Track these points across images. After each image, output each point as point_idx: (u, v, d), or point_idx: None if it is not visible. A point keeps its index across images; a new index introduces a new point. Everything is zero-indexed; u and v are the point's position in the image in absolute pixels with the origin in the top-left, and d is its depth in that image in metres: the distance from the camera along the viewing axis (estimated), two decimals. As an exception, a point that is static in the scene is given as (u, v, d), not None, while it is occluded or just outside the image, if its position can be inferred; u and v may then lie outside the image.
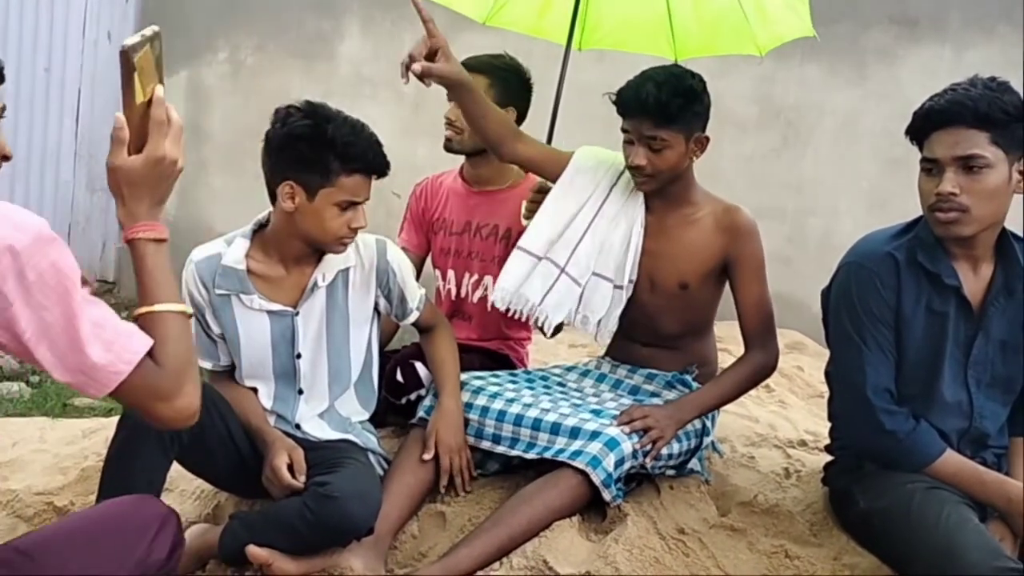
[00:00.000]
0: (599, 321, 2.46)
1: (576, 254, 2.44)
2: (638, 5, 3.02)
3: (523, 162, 2.55)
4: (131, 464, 1.99)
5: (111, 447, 2.02)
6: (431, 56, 2.27)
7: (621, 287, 2.44)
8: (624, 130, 2.35)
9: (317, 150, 2.08)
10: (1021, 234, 2.10)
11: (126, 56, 1.30)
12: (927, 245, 2.05)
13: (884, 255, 2.07)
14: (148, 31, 1.36)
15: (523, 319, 2.48)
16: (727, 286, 2.46)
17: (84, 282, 1.34)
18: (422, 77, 2.26)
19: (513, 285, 2.45)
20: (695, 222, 2.43)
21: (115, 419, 2.10)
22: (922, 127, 2.01)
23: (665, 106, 2.27)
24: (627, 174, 2.46)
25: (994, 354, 2.08)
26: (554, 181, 2.52)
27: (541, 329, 2.49)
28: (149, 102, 1.37)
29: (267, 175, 2.17)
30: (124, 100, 1.33)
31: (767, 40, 2.94)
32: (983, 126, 1.93)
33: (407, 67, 2.25)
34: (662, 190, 2.42)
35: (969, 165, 1.94)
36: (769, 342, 2.41)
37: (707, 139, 2.38)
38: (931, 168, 1.99)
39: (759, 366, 2.42)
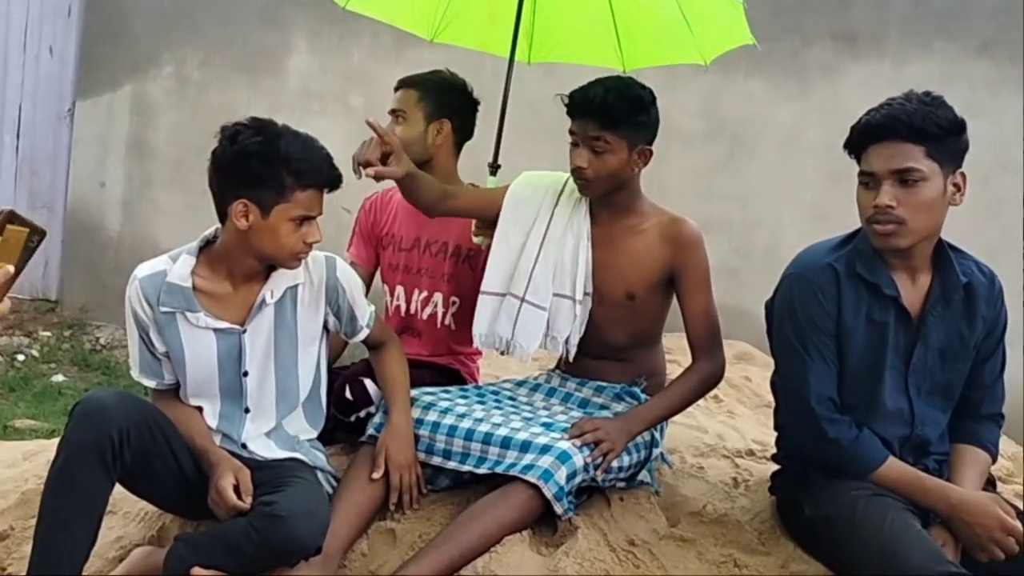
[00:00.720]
0: (567, 339, 2.48)
1: (533, 281, 2.47)
2: (584, 17, 3.06)
3: (459, 214, 2.61)
4: (72, 487, 1.95)
5: (51, 469, 1.98)
6: (384, 159, 2.35)
7: (580, 301, 2.47)
8: (571, 132, 2.39)
9: (271, 167, 2.07)
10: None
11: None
12: (866, 256, 2.09)
13: (824, 266, 2.11)
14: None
15: (504, 354, 2.51)
16: (675, 298, 2.48)
17: None
18: (376, 178, 2.34)
19: (486, 327, 2.51)
20: (640, 233, 2.45)
21: (56, 441, 2.06)
22: (859, 141, 2.05)
23: (610, 108, 2.32)
24: (567, 192, 2.51)
25: (933, 362, 2.13)
26: (495, 220, 2.55)
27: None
28: None
29: (217, 193, 2.15)
30: None
31: (710, 48, 2.99)
32: (918, 140, 1.97)
33: (360, 166, 2.32)
34: (607, 200, 2.45)
35: (905, 179, 1.98)
36: (716, 352, 2.44)
37: (651, 152, 2.41)
38: (868, 181, 2.03)
39: (706, 376, 2.44)
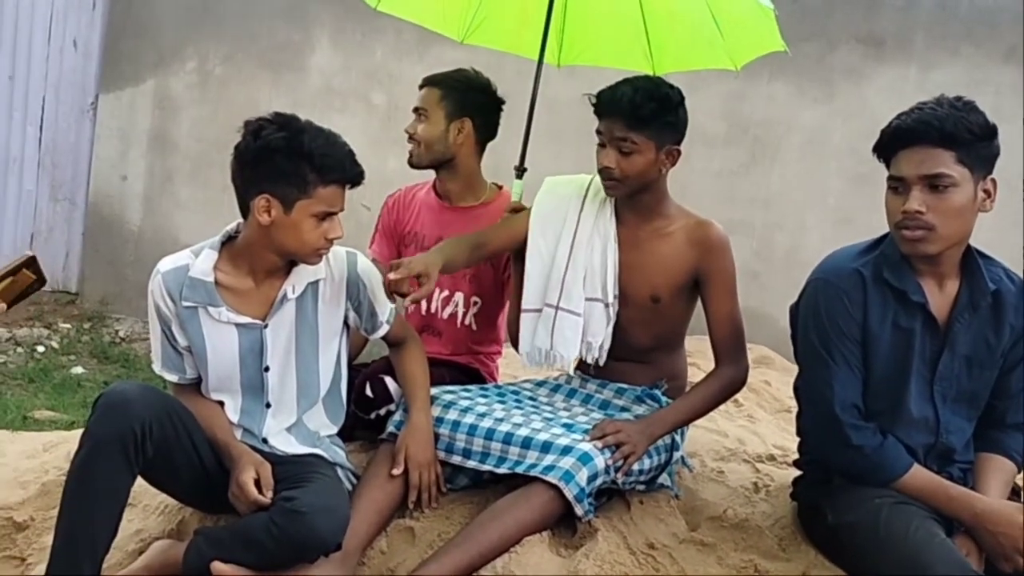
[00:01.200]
0: (601, 343, 2.47)
1: (565, 287, 2.46)
2: (615, 21, 3.03)
3: (498, 254, 2.62)
4: (94, 479, 1.95)
5: (74, 461, 1.98)
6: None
7: (611, 304, 2.46)
8: (598, 131, 2.38)
9: (294, 162, 2.07)
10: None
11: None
12: (893, 262, 2.07)
13: (851, 272, 2.09)
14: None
15: (553, 367, 2.51)
16: (699, 301, 2.47)
17: None
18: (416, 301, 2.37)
19: (528, 344, 2.51)
20: (667, 235, 2.44)
21: (77, 432, 2.07)
22: (889, 145, 2.03)
23: (637, 108, 2.31)
24: (591, 195, 2.50)
25: (960, 370, 2.10)
26: (525, 245, 2.54)
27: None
28: None
29: (240, 188, 2.14)
30: None
31: (741, 54, 2.97)
32: (949, 145, 1.95)
33: (397, 295, 2.29)
34: (633, 201, 2.44)
35: (935, 184, 1.96)
36: (739, 357, 2.43)
37: (679, 152, 2.40)
38: (897, 186, 2.01)
39: (729, 381, 2.43)
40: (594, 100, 2.38)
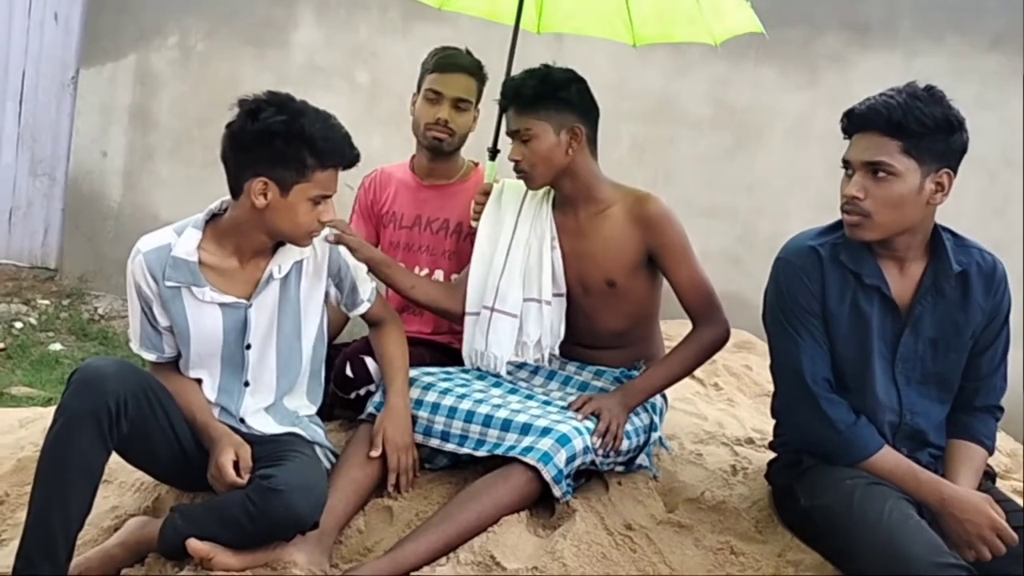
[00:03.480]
0: (537, 342, 2.47)
1: (500, 290, 2.48)
2: None
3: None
4: (68, 455, 1.93)
5: (47, 436, 1.96)
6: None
7: (548, 302, 2.46)
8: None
9: (294, 147, 2.05)
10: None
11: None
12: (851, 244, 2.09)
13: (808, 249, 2.12)
14: None
15: (484, 368, 2.50)
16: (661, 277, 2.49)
17: None
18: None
19: (467, 346, 2.53)
20: (607, 217, 2.44)
21: (53, 409, 2.04)
22: (846, 129, 2.07)
23: (519, 92, 2.38)
24: (530, 195, 2.53)
25: (924, 351, 2.12)
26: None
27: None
28: None
29: (233, 169, 2.12)
30: None
31: (721, 30, 2.96)
32: (896, 135, 1.96)
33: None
34: (562, 190, 2.46)
35: (876, 171, 1.98)
36: (714, 315, 2.43)
37: (581, 131, 2.39)
38: (847, 170, 2.05)
39: (709, 340, 2.43)
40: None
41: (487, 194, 2.60)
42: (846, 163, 2.05)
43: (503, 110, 2.43)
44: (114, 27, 5.77)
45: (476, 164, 2.86)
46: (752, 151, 4.81)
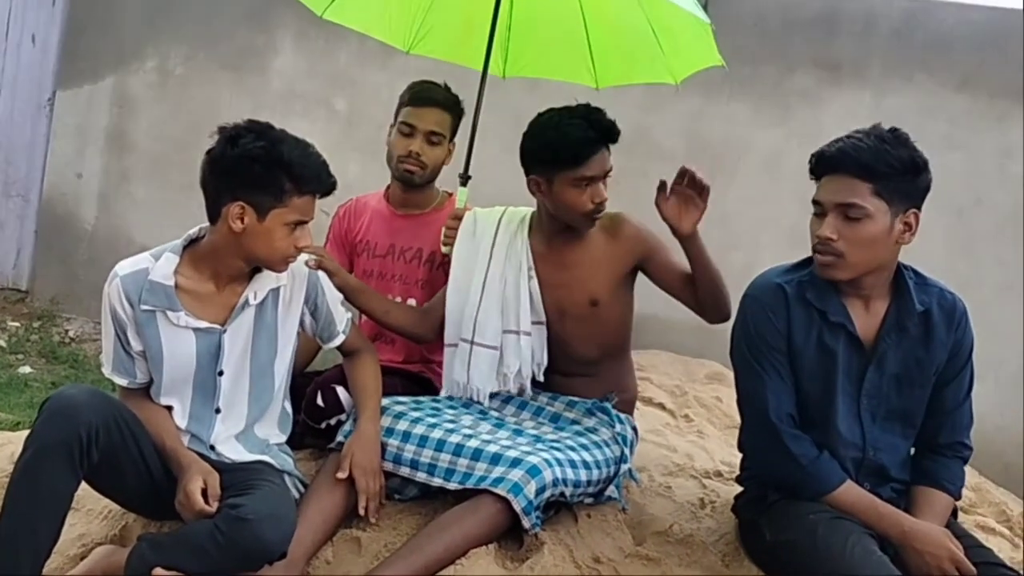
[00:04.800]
0: (517, 372, 2.50)
1: (478, 323, 2.51)
2: (558, 34, 3.09)
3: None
4: (38, 484, 1.92)
5: (17, 464, 1.95)
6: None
7: (528, 333, 2.49)
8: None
9: (272, 172, 2.08)
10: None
11: None
12: (818, 282, 2.13)
13: (774, 286, 2.16)
14: None
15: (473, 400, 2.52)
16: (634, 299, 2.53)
17: None
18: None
19: (447, 377, 2.56)
20: (587, 243, 2.49)
21: (21, 434, 2.04)
22: (815, 170, 2.10)
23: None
24: (503, 227, 2.58)
25: (888, 388, 2.15)
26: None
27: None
28: None
29: (212, 194, 2.14)
30: None
31: (680, 68, 3.02)
32: (867, 177, 2.01)
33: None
34: (541, 222, 2.53)
35: (848, 214, 2.02)
36: None
37: (537, 181, 2.44)
38: (818, 211, 2.08)
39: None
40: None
41: (459, 219, 2.63)
42: (817, 204, 2.08)
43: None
44: (92, 49, 5.76)
45: (450, 194, 2.89)
46: (724, 185, 4.85)
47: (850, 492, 2.09)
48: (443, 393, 2.58)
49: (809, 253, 2.24)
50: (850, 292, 2.13)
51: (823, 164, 2.07)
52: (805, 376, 2.14)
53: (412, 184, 2.79)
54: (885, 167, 2.00)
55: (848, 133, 2.08)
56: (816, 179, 2.11)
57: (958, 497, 2.22)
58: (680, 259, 2.46)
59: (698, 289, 2.42)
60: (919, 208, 2.07)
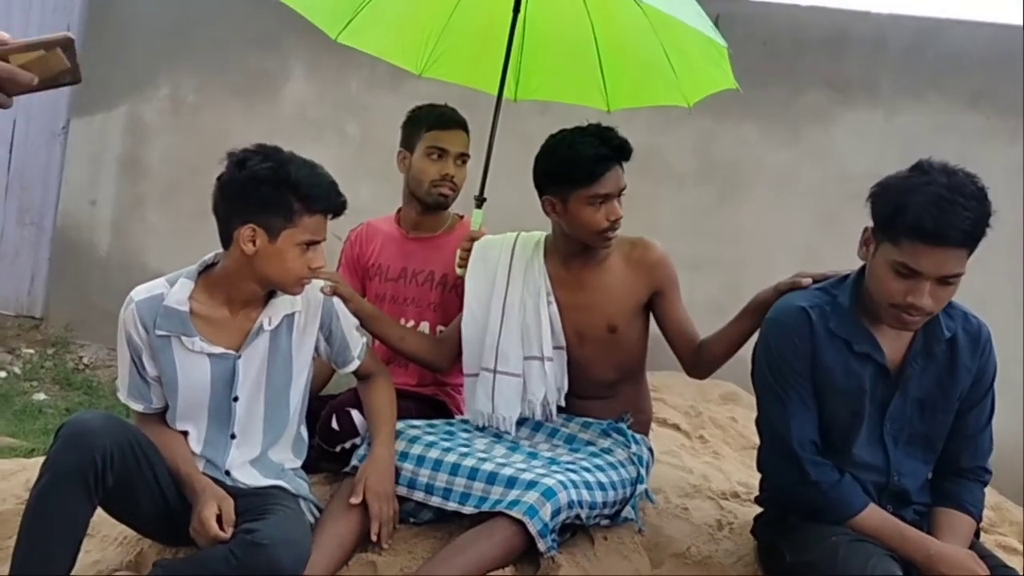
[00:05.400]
0: (543, 398, 2.49)
1: (500, 351, 2.50)
2: (571, 57, 3.10)
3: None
4: (53, 509, 1.92)
5: (33, 490, 1.95)
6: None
7: (550, 359, 2.49)
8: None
9: (280, 192, 2.09)
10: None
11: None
12: (841, 311, 2.09)
13: (798, 311, 2.12)
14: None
15: (490, 428, 2.52)
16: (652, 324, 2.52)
17: None
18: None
19: (470, 407, 2.55)
20: (606, 265, 2.49)
21: (36, 460, 2.04)
22: (904, 232, 1.90)
23: None
24: (518, 253, 2.57)
25: (912, 412, 2.13)
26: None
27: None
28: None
29: (223, 218, 2.15)
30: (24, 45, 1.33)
31: (693, 91, 3.02)
32: (970, 244, 1.90)
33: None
34: (560, 246, 2.52)
35: (948, 282, 1.93)
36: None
37: (547, 201, 2.46)
38: (907, 274, 1.92)
39: None
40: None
41: (474, 240, 2.63)
42: (910, 270, 1.91)
43: None
44: (106, 78, 5.81)
45: (461, 217, 2.90)
46: (736, 205, 4.86)
47: (874, 515, 2.07)
48: (467, 422, 2.57)
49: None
50: (877, 322, 2.09)
51: (923, 235, 1.87)
52: (831, 400, 2.11)
53: (444, 207, 2.80)
54: (983, 232, 1.90)
55: (933, 192, 1.87)
56: (891, 235, 1.93)
57: (979, 520, 2.19)
58: (684, 309, 2.50)
59: (713, 355, 2.45)
60: None
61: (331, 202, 2.16)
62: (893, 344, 2.11)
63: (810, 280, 2.19)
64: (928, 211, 1.86)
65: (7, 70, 1.31)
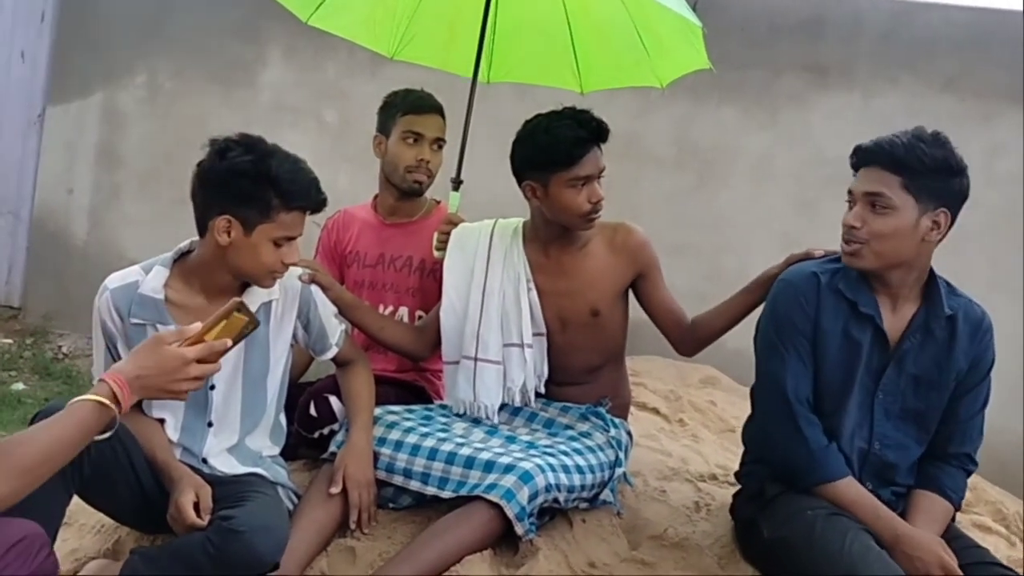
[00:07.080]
0: (522, 385, 2.50)
1: (481, 339, 2.50)
2: (543, 39, 3.09)
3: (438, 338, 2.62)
4: (28, 498, 1.90)
5: (8, 480, 1.93)
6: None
7: (530, 346, 2.49)
8: None
9: (259, 186, 2.07)
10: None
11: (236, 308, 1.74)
12: (851, 276, 2.16)
13: (808, 274, 2.19)
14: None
15: (471, 415, 2.52)
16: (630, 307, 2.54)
17: None
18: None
19: (451, 394, 2.55)
20: (587, 250, 2.50)
21: (12, 450, 2.01)
22: (854, 164, 2.15)
23: None
24: (496, 240, 2.56)
25: (906, 387, 2.16)
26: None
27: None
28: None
29: (200, 207, 2.14)
30: (210, 323, 1.71)
31: (666, 72, 3.02)
32: (897, 170, 2.05)
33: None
34: (541, 233, 2.52)
35: (874, 203, 2.07)
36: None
37: (533, 187, 2.45)
38: (849, 201, 2.13)
39: None
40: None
41: (452, 224, 2.62)
42: (849, 194, 2.13)
43: None
44: (82, 65, 5.76)
45: (438, 202, 2.89)
46: (716, 189, 4.87)
47: (851, 488, 2.10)
48: (445, 407, 2.58)
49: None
50: (880, 288, 2.15)
51: (860, 156, 2.12)
52: (827, 363, 2.16)
53: (418, 194, 2.80)
54: (916, 162, 2.03)
55: (892, 133, 2.11)
56: (855, 172, 2.15)
57: (958, 508, 2.22)
58: (668, 290, 2.52)
59: (710, 330, 2.48)
60: (951, 210, 2.08)
61: (310, 200, 2.14)
62: (894, 318, 2.16)
63: (822, 251, 2.28)
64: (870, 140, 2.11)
65: (208, 346, 1.68)
